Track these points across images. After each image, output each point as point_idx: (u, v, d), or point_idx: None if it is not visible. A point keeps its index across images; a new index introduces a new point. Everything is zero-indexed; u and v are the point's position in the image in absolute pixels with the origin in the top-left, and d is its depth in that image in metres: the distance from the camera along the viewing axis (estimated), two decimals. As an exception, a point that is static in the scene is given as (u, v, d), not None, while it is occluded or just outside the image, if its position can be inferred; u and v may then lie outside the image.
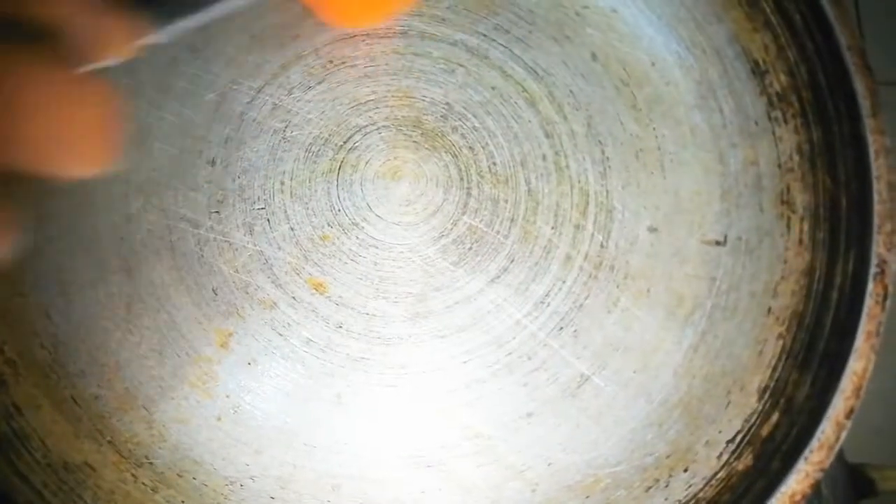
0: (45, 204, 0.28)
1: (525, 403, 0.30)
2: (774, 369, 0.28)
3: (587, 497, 0.28)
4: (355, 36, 0.33)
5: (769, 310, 0.30)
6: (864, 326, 0.26)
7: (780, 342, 0.29)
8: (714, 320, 0.31)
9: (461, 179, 0.32)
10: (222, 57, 0.32)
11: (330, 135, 0.31)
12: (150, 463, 0.27)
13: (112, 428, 0.27)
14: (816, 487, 0.23)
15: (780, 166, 0.32)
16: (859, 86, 0.29)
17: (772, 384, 0.28)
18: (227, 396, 0.28)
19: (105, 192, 0.29)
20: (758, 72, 0.33)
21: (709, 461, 0.27)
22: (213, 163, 0.30)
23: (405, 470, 0.28)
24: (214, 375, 0.28)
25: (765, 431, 0.27)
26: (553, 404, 0.30)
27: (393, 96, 0.32)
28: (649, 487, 0.27)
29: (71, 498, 0.24)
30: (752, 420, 0.27)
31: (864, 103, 0.29)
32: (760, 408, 0.27)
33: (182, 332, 0.28)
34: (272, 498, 0.27)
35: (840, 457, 0.31)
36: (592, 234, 0.32)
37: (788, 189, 0.31)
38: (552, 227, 0.32)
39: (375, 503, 0.28)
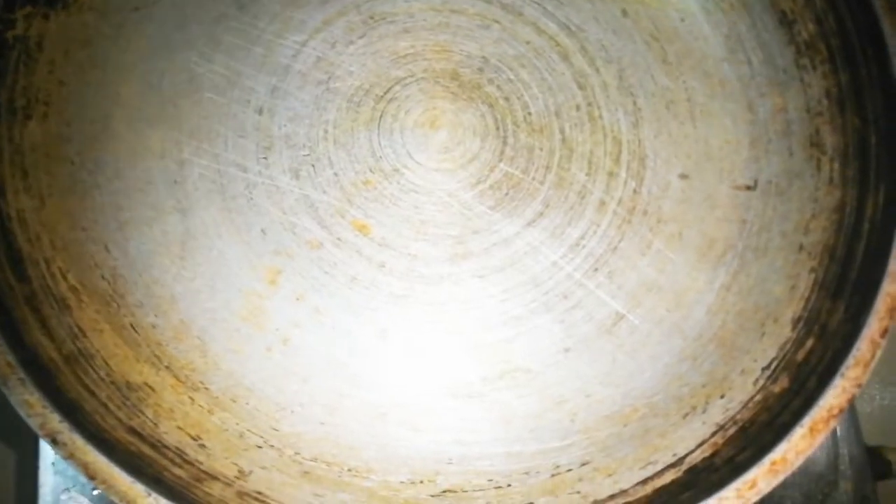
0: (102, 146, 0.30)
1: (562, 340, 0.30)
2: (808, 301, 0.29)
3: (625, 425, 0.29)
4: (394, -6, 0.34)
5: (801, 247, 0.30)
6: (897, 251, 0.26)
7: (813, 276, 0.29)
8: (746, 260, 0.32)
9: (497, 128, 0.33)
10: (267, 13, 0.33)
11: (371, 86, 0.33)
12: (206, 388, 0.28)
13: (169, 355, 0.28)
14: (851, 404, 0.24)
15: (808, 111, 0.33)
16: (888, 29, 0.30)
17: (805, 314, 0.28)
18: (277, 329, 0.30)
19: (159, 138, 0.31)
20: (785, 22, 0.34)
21: (745, 387, 0.28)
22: (260, 111, 0.32)
23: (448, 400, 0.29)
24: (264, 309, 0.30)
25: (800, 356, 0.27)
26: (589, 341, 0.31)
27: (431, 50, 0.34)
28: (686, 414, 0.28)
29: (134, 413, 0.26)
30: (787, 348, 0.28)
31: (893, 44, 0.30)
32: (794, 336, 0.28)
33: (233, 269, 0.30)
34: (322, 423, 0.28)
35: (858, 438, 0.32)
36: (626, 181, 0.33)
37: (818, 132, 0.32)
38: (586, 174, 0.33)
39: (419, 430, 0.29)
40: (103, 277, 0.28)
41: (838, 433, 0.32)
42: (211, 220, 0.30)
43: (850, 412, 0.32)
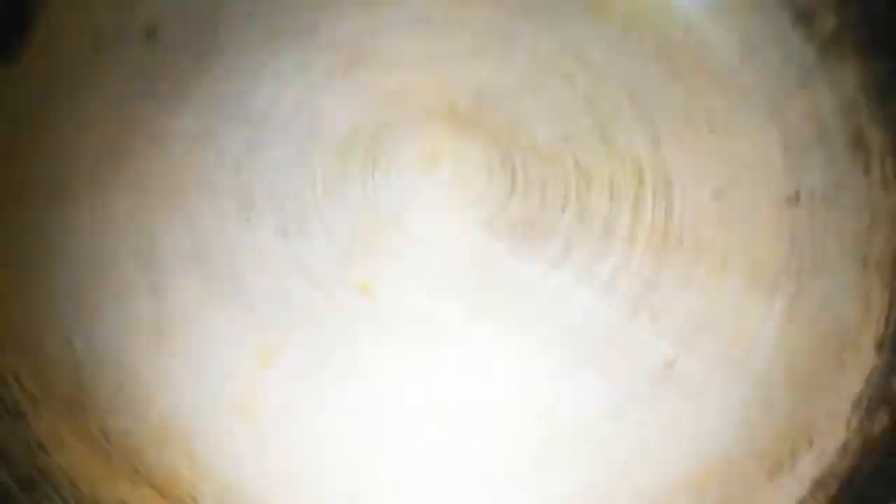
0: (60, 219, 0.26)
1: (610, 395, 0.26)
2: (887, 320, 0.25)
3: (701, 494, 0.24)
4: (375, 27, 0.31)
5: (864, 260, 0.27)
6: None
7: (887, 291, 0.26)
8: (803, 282, 0.28)
9: (503, 162, 0.29)
10: (239, 59, 0.30)
11: (359, 128, 0.29)
12: (196, 502, 0.23)
13: (149, 464, 0.24)
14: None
15: (844, 110, 0.29)
16: (922, 10, 0.27)
17: (888, 334, 0.24)
18: (275, 418, 0.25)
19: (126, 207, 0.27)
20: (803, 17, 0.31)
21: (836, 430, 0.24)
22: (238, 168, 0.28)
23: (483, 486, 0.25)
24: (259, 396, 0.25)
25: (895, 385, 0.23)
26: (642, 393, 0.26)
27: (422, 84, 0.30)
28: (773, 472, 0.24)
29: (110, 543, 0.21)
30: (875, 377, 0.24)
31: (932, 26, 0.27)
32: (881, 363, 0.24)
33: (219, 351, 0.25)
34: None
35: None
36: (653, 206, 0.29)
37: (859, 131, 0.29)
38: (609, 203, 0.29)
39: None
40: (66, 378, 0.24)
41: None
42: (190, 296, 0.26)
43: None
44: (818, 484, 0.23)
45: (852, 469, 0.23)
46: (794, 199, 0.30)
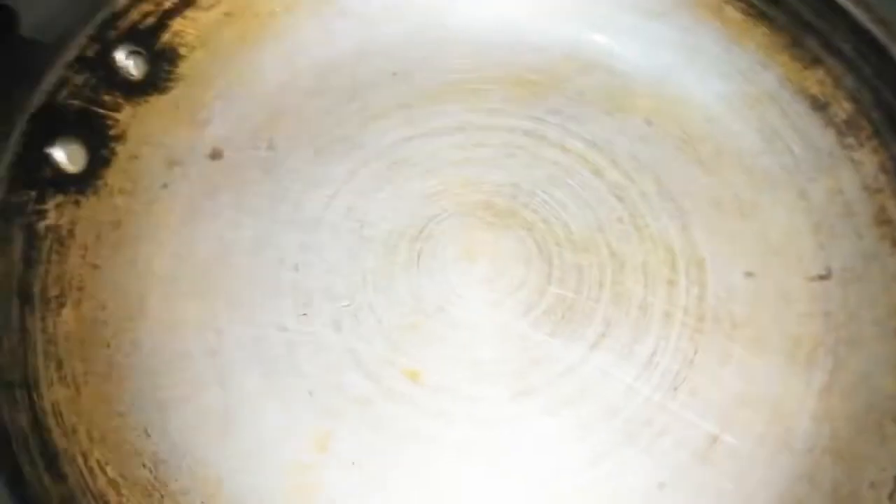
0: (137, 325, 0.29)
1: (654, 474, 0.27)
2: (926, 391, 0.25)
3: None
4: (414, 137, 0.34)
5: (900, 332, 0.27)
6: None
7: (924, 362, 0.26)
8: (840, 356, 0.28)
9: (540, 251, 0.31)
10: (292, 172, 0.33)
11: (404, 228, 0.32)
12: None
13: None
14: None
15: (867, 189, 0.31)
16: (929, 92, 0.29)
17: (929, 406, 0.25)
18: (332, 501, 0.26)
19: (194, 309, 0.30)
20: (818, 106, 0.33)
21: (879, 502, 0.23)
22: (295, 268, 0.31)
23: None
24: (314, 481, 0.27)
25: (939, 457, 0.23)
26: (685, 471, 0.27)
27: (459, 185, 0.33)
28: (821, 546, 0.24)
29: None
30: (919, 449, 0.24)
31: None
32: (924, 434, 0.24)
33: (278, 439, 0.27)
34: None
35: None
36: (687, 288, 0.31)
37: (883, 209, 0.30)
38: (644, 286, 0.31)
39: None
40: (144, 465, 0.26)
41: None
42: (252, 388, 0.28)
43: None
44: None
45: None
46: (826, 275, 0.31)
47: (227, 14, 0.35)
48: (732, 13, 0.34)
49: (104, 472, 0.25)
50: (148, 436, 0.26)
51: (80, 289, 0.28)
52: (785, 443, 0.27)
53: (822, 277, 0.30)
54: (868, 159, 0.31)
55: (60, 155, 0.29)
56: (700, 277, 0.31)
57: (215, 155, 0.33)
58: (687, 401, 0.28)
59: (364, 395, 0.28)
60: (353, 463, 0.27)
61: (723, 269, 0.31)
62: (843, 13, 0.31)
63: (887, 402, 0.26)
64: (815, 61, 0.32)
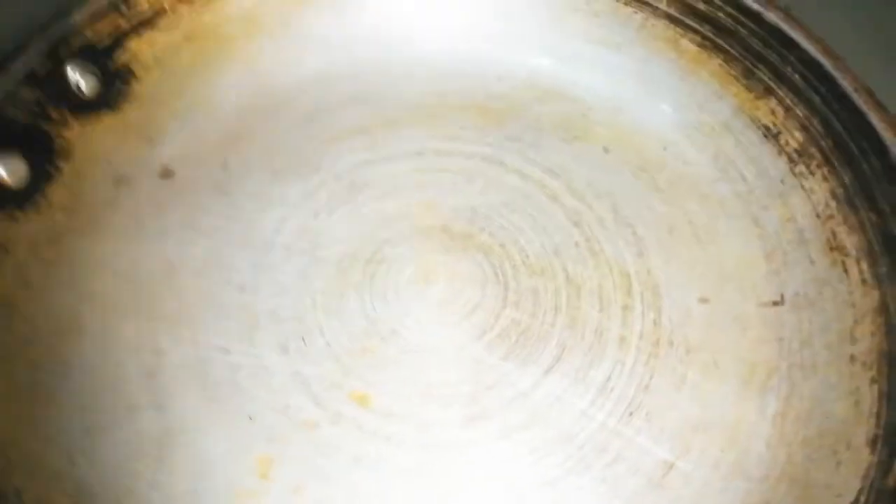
0: (69, 345, 0.27)
1: (608, 501, 0.26)
2: (878, 416, 0.25)
3: None
4: (372, 161, 0.34)
5: (851, 357, 0.27)
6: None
7: (875, 386, 0.26)
8: (795, 381, 0.28)
9: (496, 275, 0.31)
10: (246, 192, 0.32)
11: (358, 250, 0.31)
12: None
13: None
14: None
15: (818, 216, 0.31)
16: (877, 122, 0.29)
17: (881, 432, 0.24)
18: (273, 531, 0.25)
19: (133, 330, 0.28)
20: (770, 135, 0.33)
21: (837, 529, 0.23)
22: (243, 289, 0.30)
23: None
24: (257, 509, 0.25)
25: (892, 481, 0.23)
26: (640, 498, 0.26)
27: (417, 208, 0.33)
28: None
29: None
30: (872, 474, 0.24)
31: (887, 136, 0.29)
32: (876, 459, 0.24)
33: (218, 465, 0.26)
34: None
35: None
36: (643, 313, 0.30)
37: (834, 235, 0.30)
38: (599, 311, 0.30)
39: None
40: (65, 492, 0.24)
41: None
42: (191, 412, 0.27)
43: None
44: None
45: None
46: (780, 301, 0.30)
47: (186, 37, 0.34)
48: (688, 45, 0.35)
49: (19, 499, 0.23)
50: (73, 462, 0.25)
51: (11, 306, 0.27)
52: (740, 469, 0.26)
53: (775, 303, 0.30)
54: (819, 186, 0.31)
55: (0, 170, 0.28)
56: (655, 302, 0.30)
57: (166, 174, 0.33)
58: (642, 426, 0.27)
59: (310, 419, 0.27)
60: (296, 490, 0.26)
61: (678, 294, 0.31)
62: (793, 45, 0.32)
63: (841, 427, 0.26)
64: (768, 91, 0.33)
